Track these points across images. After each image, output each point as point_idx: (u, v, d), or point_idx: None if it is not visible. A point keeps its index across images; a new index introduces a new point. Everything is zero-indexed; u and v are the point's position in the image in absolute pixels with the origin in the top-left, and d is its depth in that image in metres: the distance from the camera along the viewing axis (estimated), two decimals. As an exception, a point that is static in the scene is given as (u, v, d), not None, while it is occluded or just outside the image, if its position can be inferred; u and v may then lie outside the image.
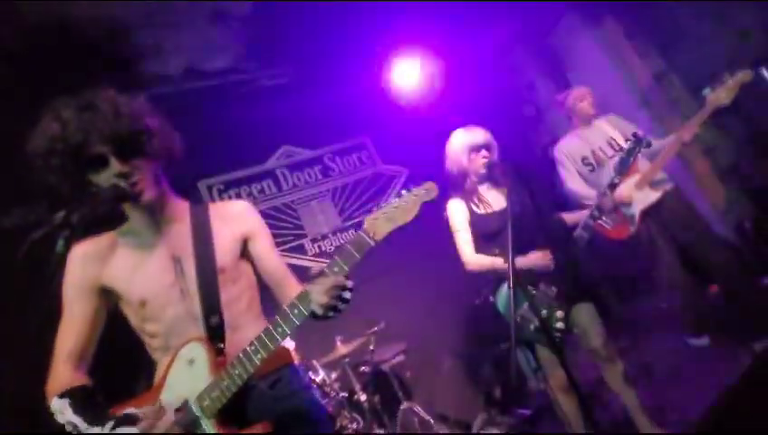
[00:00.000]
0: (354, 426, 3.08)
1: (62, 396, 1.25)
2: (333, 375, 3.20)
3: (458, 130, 2.54)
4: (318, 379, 3.10)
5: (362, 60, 4.22)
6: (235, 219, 1.51)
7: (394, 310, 3.81)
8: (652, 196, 2.80)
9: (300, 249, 4.20)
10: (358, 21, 3.78)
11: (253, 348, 1.24)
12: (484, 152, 2.43)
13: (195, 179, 4.07)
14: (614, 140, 3.00)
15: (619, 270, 4.02)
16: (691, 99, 4.01)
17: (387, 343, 3.58)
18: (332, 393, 3.09)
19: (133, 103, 1.34)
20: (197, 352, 1.30)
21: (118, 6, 2.96)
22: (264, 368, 1.27)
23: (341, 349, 3.26)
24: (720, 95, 2.47)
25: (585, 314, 2.33)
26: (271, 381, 1.39)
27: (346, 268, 1.23)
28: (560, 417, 2.40)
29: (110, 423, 1.21)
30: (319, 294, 1.19)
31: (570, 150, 3.10)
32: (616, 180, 2.49)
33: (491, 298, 2.44)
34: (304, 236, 4.27)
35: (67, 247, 1.14)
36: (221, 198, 4.06)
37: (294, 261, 4.09)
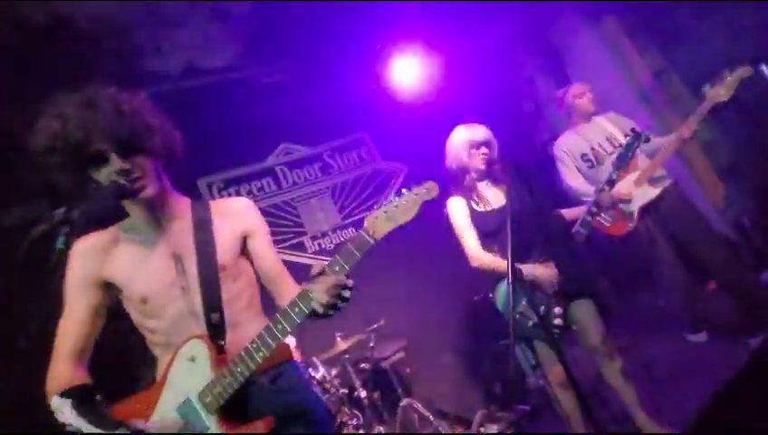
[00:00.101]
0: (354, 422, 3.09)
1: (62, 395, 1.25)
2: (333, 372, 3.21)
3: (459, 126, 2.55)
4: (318, 375, 3.12)
5: (361, 57, 4.21)
6: (236, 216, 1.51)
7: (394, 307, 3.82)
8: (651, 193, 2.80)
9: (300, 247, 4.20)
10: (357, 18, 3.77)
11: (255, 346, 1.25)
12: (483, 149, 2.44)
13: (194, 177, 4.08)
14: (614, 136, 2.99)
15: (617, 267, 4.02)
16: (691, 96, 4.01)
17: (387, 339, 3.60)
18: (332, 390, 3.11)
19: (134, 101, 1.34)
20: (199, 350, 1.31)
21: (118, 5, 2.96)
22: (265, 364, 1.28)
23: (341, 345, 3.27)
24: (719, 91, 2.48)
25: (584, 310, 2.33)
26: (272, 377, 1.40)
27: (347, 267, 1.24)
28: (559, 414, 2.41)
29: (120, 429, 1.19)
30: (320, 293, 1.20)
31: (569, 147, 3.10)
32: (614, 176, 2.49)
33: (490, 295, 2.45)
34: (304, 233, 4.28)
35: (67, 244, 1.13)
36: (221, 196, 4.07)
37: (294, 259, 4.10)
